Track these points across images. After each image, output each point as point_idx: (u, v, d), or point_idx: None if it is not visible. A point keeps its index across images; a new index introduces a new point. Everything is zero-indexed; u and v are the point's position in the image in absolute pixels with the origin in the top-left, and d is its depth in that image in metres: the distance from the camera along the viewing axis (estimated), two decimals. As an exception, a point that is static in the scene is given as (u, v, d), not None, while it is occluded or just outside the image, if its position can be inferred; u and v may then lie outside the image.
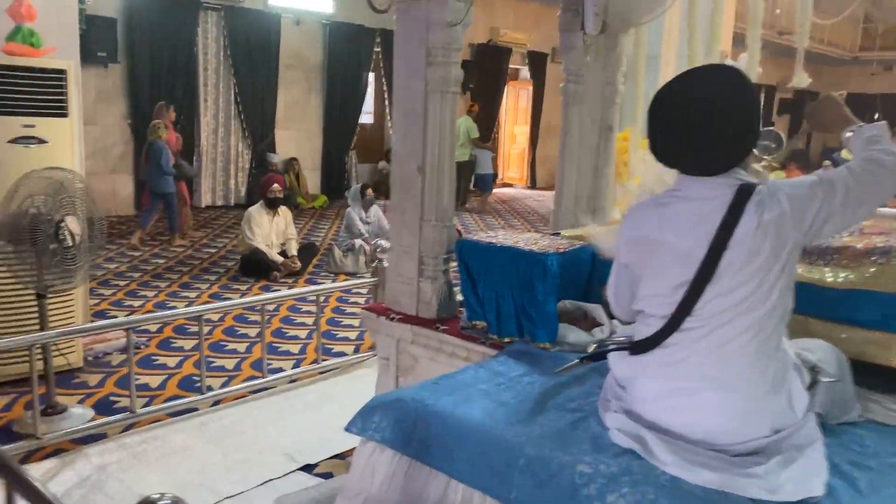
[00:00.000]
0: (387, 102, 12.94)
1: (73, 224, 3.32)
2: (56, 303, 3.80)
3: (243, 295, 6.03)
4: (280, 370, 4.23)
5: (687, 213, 1.72)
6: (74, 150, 3.99)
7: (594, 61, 3.70)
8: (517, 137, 15.55)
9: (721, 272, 1.65)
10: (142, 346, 4.52)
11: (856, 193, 1.69)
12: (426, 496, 1.95)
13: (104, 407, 3.69)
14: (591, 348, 2.06)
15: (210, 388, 3.82)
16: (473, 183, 12.93)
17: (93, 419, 3.49)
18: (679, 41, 5.69)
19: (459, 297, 3.00)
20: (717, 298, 1.66)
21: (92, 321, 4.49)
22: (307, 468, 3.14)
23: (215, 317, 5.16)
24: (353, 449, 3.15)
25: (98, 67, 9.10)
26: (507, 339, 2.61)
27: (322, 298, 4.67)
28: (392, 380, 3.02)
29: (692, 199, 1.72)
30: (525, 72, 15.13)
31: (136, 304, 5.64)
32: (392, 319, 2.97)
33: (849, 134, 1.95)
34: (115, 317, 5.24)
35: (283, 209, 6.96)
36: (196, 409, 3.67)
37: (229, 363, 4.40)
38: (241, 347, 4.72)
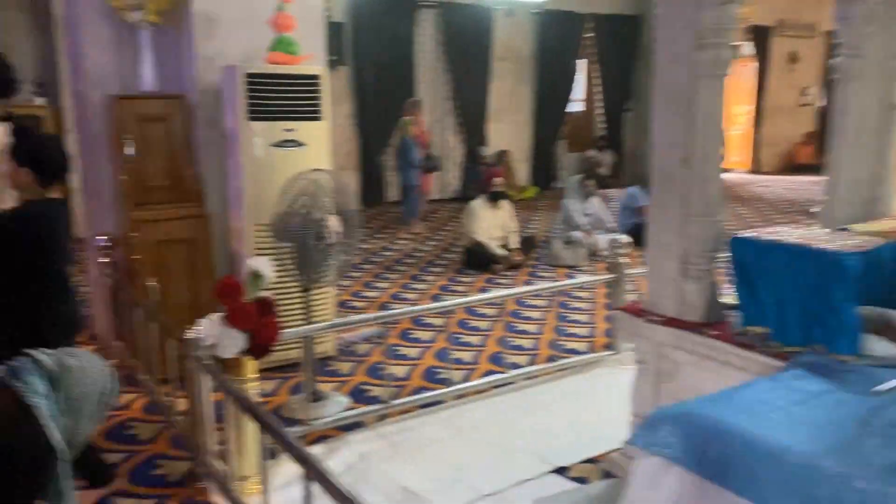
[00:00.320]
0: (599, 89, 12.66)
1: (333, 222, 3.50)
2: (314, 295, 4.06)
3: (469, 287, 6.13)
4: (516, 366, 4.22)
5: None
6: (327, 150, 4.23)
7: (877, 32, 3.24)
8: (738, 118, 14.49)
9: None
10: (383, 337, 4.72)
11: None
12: (725, 521, 1.78)
13: (357, 395, 3.88)
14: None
15: (451, 381, 3.89)
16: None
17: (349, 407, 3.68)
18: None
19: (726, 299, 2.77)
20: None
21: (339, 311, 4.76)
22: (560, 471, 3.07)
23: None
24: (607, 454, 3.07)
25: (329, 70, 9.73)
26: (791, 349, 2.35)
27: (553, 294, 4.60)
28: (650, 386, 2.86)
29: None
30: (747, 48, 14.03)
31: (372, 294, 5.93)
32: (651, 321, 2.81)
33: None
34: (355, 307, 5.54)
35: (503, 202, 6.98)
36: (442, 402, 3.75)
37: (466, 356, 4.47)
38: (474, 340, 4.77)
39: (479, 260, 6.68)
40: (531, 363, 4.35)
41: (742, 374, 2.43)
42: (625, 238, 4.39)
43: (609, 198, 9.39)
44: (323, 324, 3.62)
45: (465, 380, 4.04)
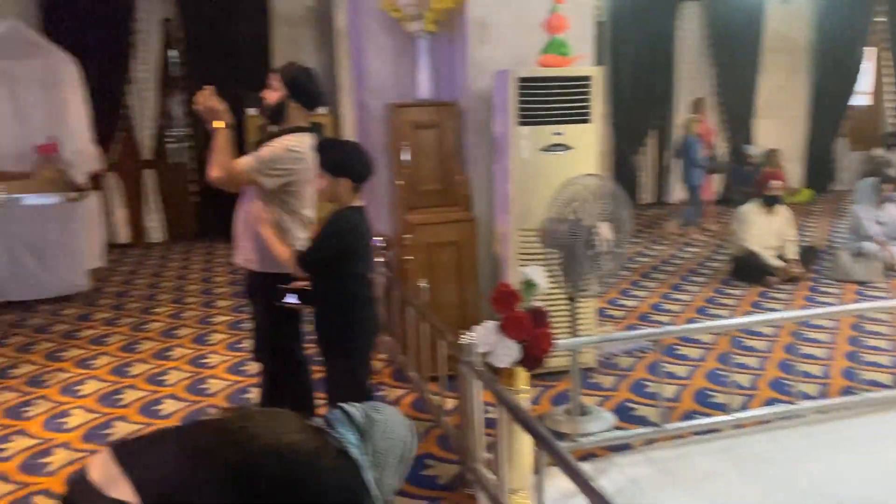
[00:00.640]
0: (891, 80, 11.09)
1: (605, 230, 3.33)
2: (578, 304, 3.92)
3: (739, 301, 5.62)
4: (805, 395, 3.73)
5: None
6: (595, 154, 4.06)
7: None
8: None
9: None
10: (647, 351, 4.46)
11: None
12: None
13: (622, 412, 3.68)
14: None
15: (729, 407, 3.53)
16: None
17: (616, 426, 3.49)
18: None
19: None
20: None
21: (599, 320, 4.57)
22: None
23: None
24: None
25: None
26: None
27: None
28: None
29: None
30: None
31: (630, 304, 5.66)
32: None
33: None
34: (612, 316, 5.32)
35: (781, 208, 6.30)
36: (717, 430, 3.42)
37: (742, 379, 4.05)
38: (750, 362, 4.32)
39: (750, 271, 6.10)
40: (822, 393, 3.83)
41: None
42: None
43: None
44: (593, 337, 3.48)
45: (744, 407, 3.65)
